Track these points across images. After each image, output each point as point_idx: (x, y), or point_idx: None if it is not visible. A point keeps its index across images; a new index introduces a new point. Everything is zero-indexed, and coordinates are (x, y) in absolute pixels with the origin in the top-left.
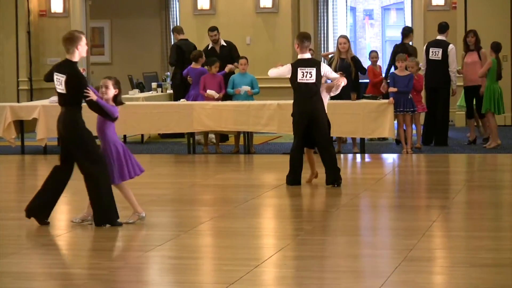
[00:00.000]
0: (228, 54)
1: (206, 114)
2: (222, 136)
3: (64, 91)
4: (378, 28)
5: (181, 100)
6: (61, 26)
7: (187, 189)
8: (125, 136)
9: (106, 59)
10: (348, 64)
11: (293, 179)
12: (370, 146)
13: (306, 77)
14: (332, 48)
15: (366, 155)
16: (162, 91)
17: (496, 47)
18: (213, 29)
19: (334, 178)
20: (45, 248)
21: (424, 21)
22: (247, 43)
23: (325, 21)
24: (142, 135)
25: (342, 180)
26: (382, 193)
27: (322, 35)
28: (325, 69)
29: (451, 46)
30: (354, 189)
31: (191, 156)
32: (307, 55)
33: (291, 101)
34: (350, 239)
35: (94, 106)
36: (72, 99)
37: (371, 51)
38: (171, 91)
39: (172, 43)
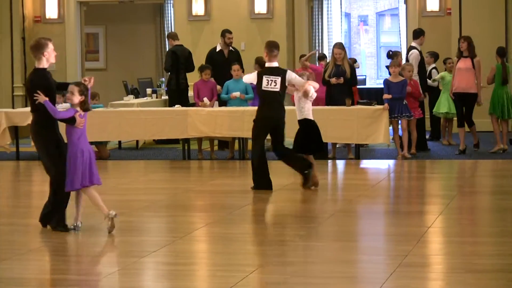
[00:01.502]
0: (237, 59)
1: (201, 120)
2: (222, 143)
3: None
4: (372, 34)
5: (176, 106)
6: (56, 31)
7: (182, 194)
8: (120, 142)
9: (101, 65)
10: (343, 71)
11: (267, 182)
12: (364, 152)
13: (270, 85)
14: (327, 53)
15: (361, 161)
16: (156, 97)
17: (501, 52)
18: (230, 31)
19: (304, 169)
20: (39, 253)
21: (418, 26)
22: (241, 49)
23: (320, 27)
24: (137, 141)
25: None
26: (377, 199)
27: (316, 41)
28: (290, 76)
29: (412, 51)
30: (349, 194)
31: (186, 162)
32: (275, 64)
33: (286, 107)
34: (345, 245)
35: (44, 108)
36: (33, 104)
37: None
38: (166, 97)
39: (167, 49)
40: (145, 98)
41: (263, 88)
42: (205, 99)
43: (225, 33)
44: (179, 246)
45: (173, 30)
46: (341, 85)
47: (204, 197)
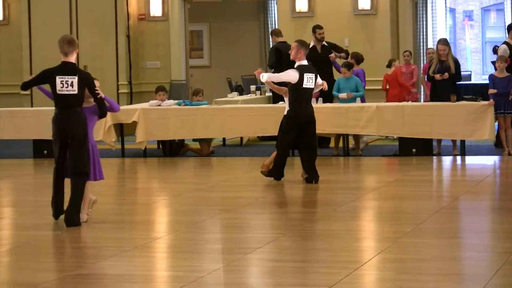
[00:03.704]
0: (328, 55)
1: None
2: (322, 140)
3: (76, 92)
4: (478, 29)
5: (280, 102)
6: (160, 29)
7: (286, 191)
8: (224, 139)
9: (205, 62)
10: (447, 67)
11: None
12: (470, 148)
13: (309, 82)
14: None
15: (466, 157)
16: (260, 94)
17: None
18: (320, 27)
19: (313, 177)
20: (144, 250)
21: None
22: (345, 45)
23: (424, 22)
24: (241, 138)
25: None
26: (482, 196)
27: (421, 37)
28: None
29: (501, 46)
30: (454, 191)
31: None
32: (306, 61)
33: (390, 104)
34: (450, 242)
35: (103, 103)
36: (82, 99)
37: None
38: (270, 94)
39: (271, 45)
40: (249, 95)
41: (304, 86)
42: None
43: (315, 29)
44: (284, 242)
45: (276, 27)
46: (445, 81)
47: (308, 194)
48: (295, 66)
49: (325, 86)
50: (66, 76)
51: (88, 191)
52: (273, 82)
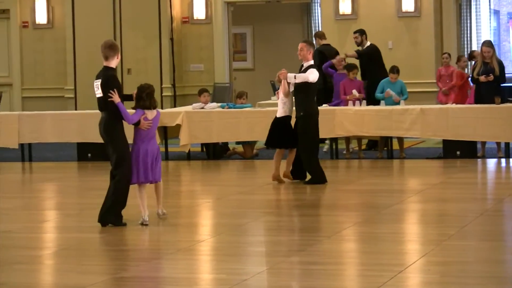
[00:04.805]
0: (366, 60)
1: (348, 119)
2: (371, 143)
3: (102, 95)
4: None
5: (323, 105)
6: (204, 32)
7: (330, 194)
8: None
9: (249, 65)
10: (492, 69)
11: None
12: None
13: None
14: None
15: (511, 160)
16: None
17: None
18: (355, 31)
19: (303, 176)
20: (187, 253)
21: None
22: (389, 48)
23: (469, 24)
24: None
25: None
26: None
27: (465, 39)
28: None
29: None
30: (498, 193)
31: (334, 161)
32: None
33: (434, 106)
34: (494, 244)
35: (115, 108)
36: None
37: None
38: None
39: (314, 48)
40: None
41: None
42: (354, 91)
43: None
44: (327, 245)
45: (320, 30)
46: (490, 83)
47: (352, 196)
48: (309, 65)
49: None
50: (97, 80)
51: (141, 192)
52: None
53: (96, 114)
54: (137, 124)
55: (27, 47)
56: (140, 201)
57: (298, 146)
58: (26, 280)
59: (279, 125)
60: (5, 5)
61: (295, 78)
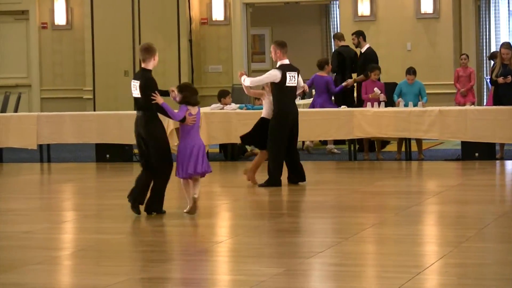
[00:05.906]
0: (363, 63)
1: (367, 120)
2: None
3: (139, 95)
4: None
5: (342, 106)
6: (222, 33)
7: (348, 195)
8: None
9: (267, 66)
10: (510, 70)
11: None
12: None
13: (291, 80)
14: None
15: None
16: None
17: None
18: (353, 33)
19: (301, 177)
20: (206, 254)
21: None
22: (407, 49)
23: (488, 26)
24: (303, 142)
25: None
26: None
27: (484, 41)
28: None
29: None
30: None
31: (352, 163)
32: (287, 61)
33: (453, 108)
34: None
35: (159, 109)
36: (146, 103)
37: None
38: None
39: (333, 49)
40: (311, 99)
41: (287, 84)
42: (376, 89)
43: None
44: (346, 247)
45: (339, 31)
46: (508, 85)
47: (371, 198)
48: (277, 65)
49: (306, 88)
50: (134, 81)
51: (188, 185)
52: (250, 87)
53: (114, 115)
54: (183, 120)
55: (46, 48)
56: (186, 193)
57: (267, 145)
58: (44, 280)
59: (264, 125)
60: (24, 6)
61: (249, 82)
